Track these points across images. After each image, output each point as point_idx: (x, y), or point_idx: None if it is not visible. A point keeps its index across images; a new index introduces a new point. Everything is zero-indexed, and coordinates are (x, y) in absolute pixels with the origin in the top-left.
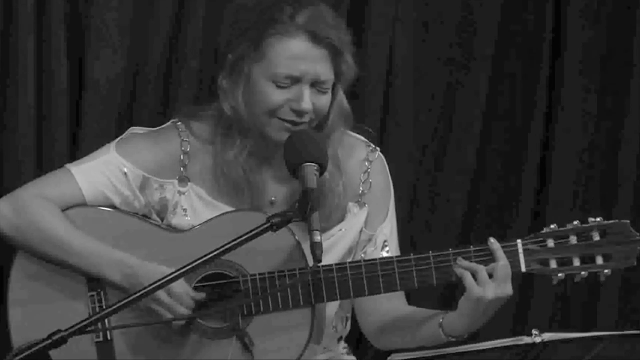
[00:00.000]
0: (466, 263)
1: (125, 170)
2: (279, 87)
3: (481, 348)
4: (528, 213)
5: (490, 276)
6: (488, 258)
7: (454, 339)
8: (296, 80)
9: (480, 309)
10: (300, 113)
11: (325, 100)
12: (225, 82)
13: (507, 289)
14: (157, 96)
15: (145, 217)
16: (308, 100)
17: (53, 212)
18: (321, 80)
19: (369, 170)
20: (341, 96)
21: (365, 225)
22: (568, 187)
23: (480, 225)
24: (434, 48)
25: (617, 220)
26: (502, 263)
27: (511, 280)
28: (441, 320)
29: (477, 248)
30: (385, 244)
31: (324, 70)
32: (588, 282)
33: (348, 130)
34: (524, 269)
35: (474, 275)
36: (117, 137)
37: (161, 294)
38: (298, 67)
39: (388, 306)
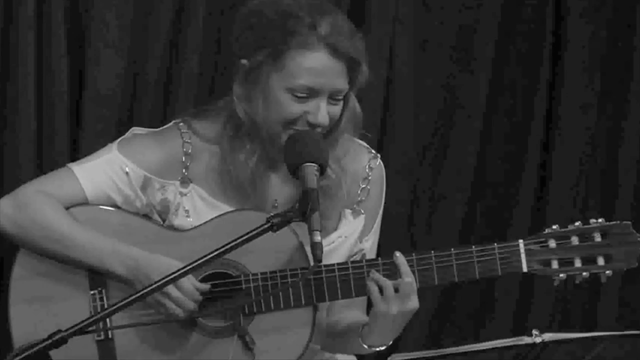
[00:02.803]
0: (376, 275)
1: (127, 169)
2: (296, 98)
3: (481, 348)
4: (528, 213)
5: (397, 290)
6: (488, 257)
7: (374, 349)
8: (314, 93)
9: (388, 322)
10: (315, 126)
11: (338, 108)
12: (240, 88)
13: (411, 304)
14: (157, 96)
15: (147, 216)
16: (325, 114)
17: (55, 207)
18: (338, 92)
19: (369, 178)
20: (353, 101)
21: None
22: (568, 187)
23: (480, 225)
24: (434, 48)
25: (618, 222)
26: (407, 279)
27: (416, 294)
28: (361, 330)
29: (385, 261)
30: (364, 255)
31: (342, 83)
32: (588, 283)
33: (357, 134)
34: (525, 269)
35: (381, 290)
36: (117, 137)
37: (170, 288)
38: (317, 80)
39: (345, 313)
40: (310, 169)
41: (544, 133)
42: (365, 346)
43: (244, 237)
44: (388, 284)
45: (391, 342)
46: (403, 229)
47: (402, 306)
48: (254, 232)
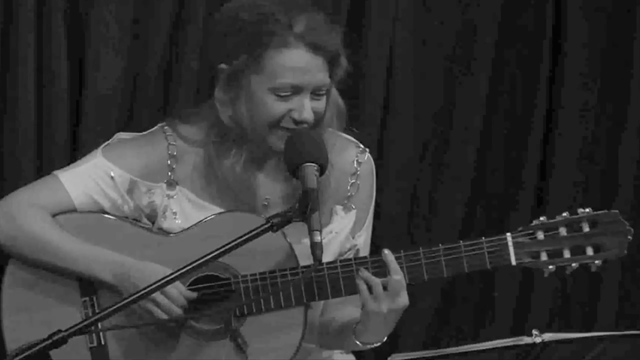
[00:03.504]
0: (365, 274)
1: (112, 173)
2: (279, 98)
3: (481, 348)
4: (528, 213)
5: (385, 288)
6: (477, 252)
7: (369, 346)
8: (297, 90)
9: (379, 320)
10: (301, 123)
11: (322, 103)
12: (222, 93)
13: (401, 301)
14: (157, 96)
15: (136, 220)
16: (309, 110)
17: (43, 218)
18: (320, 87)
19: (358, 173)
20: (334, 94)
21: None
22: (568, 186)
23: (480, 226)
24: (434, 48)
25: (606, 211)
26: (396, 277)
27: (406, 290)
28: (354, 327)
29: (373, 258)
30: (357, 250)
31: (323, 78)
32: (588, 282)
33: (342, 127)
34: (514, 262)
35: (370, 288)
36: None
37: (157, 295)
38: (299, 77)
39: (340, 310)
40: (310, 169)
41: (544, 133)
42: (359, 343)
43: (244, 238)
44: (377, 282)
45: (385, 339)
46: (403, 229)
47: (392, 304)
48: (254, 233)
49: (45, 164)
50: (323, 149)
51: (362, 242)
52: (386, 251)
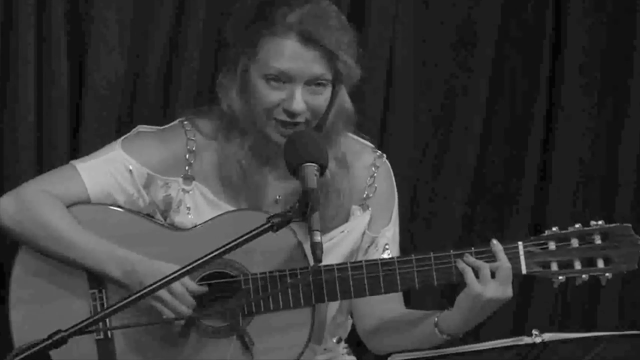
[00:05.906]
0: (471, 259)
1: (131, 167)
2: (271, 86)
3: (481, 348)
4: (528, 213)
5: (492, 275)
6: (489, 260)
7: (449, 337)
8: (288, 80)
9: (478, 306)
10: (291, 113)
11: (321, 100)
12: (224, 79)
13: (507, 291)
14: (157, 96)
15: (149, 215)
16: (299, 100)
17: (56, 207)
18: (314, 80)
19: (375, 175)
20: (342, 96)
21: (367, 228)
22: (568, 187)
23: (480, 226)
24: (434, 48)
25: (618, 224)
26: (505, 264)
27: (511, 283)
28: (436, 319)
29: (478, 249)
30: (387, 246)
31: (317, 70)
32: (588, 283)
33: (351, 132)
34: (524, 271)
35: (476, 272)
36: (117, 137)
37: (162, 292)
38: (288, 65)
39: (384, 308)
40: (310, 169)
41: (544, 133)
42: (438, 334)
43: (244, 237)
44: (484, 265)
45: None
46: (403, 228)
47: (498, 291)
48: (254, 232)
49: (45, 164)
50: (323, 149)
51: (390, 236)
52: (494, 241)
